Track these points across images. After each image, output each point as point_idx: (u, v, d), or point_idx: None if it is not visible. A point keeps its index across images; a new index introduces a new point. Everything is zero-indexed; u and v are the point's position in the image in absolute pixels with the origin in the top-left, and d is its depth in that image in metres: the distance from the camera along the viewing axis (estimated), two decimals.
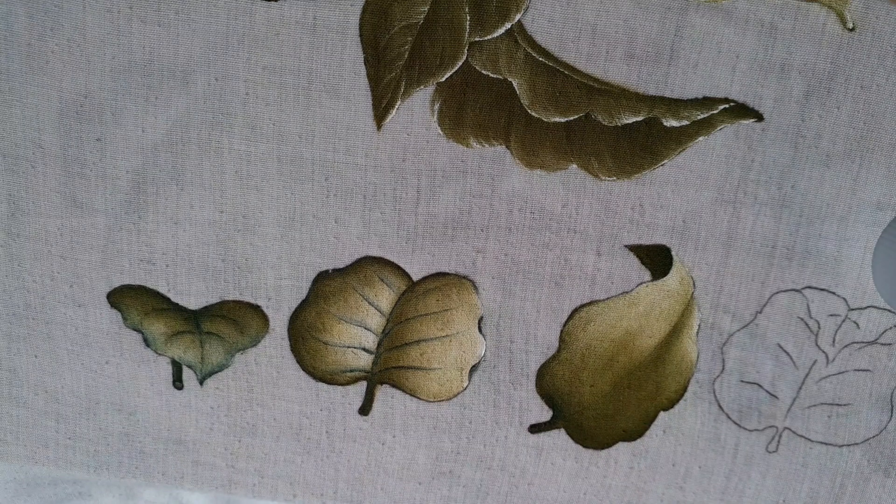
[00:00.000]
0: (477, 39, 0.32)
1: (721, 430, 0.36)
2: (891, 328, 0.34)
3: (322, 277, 0.35)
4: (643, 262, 0.34)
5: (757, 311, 0.34)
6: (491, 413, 0.36)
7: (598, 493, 0.37)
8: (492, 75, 0.32)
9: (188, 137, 0.34)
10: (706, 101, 0.32)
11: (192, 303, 0.36)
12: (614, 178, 0.33)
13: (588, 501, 0.37)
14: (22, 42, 0.32)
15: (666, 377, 0.35)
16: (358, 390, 0.36)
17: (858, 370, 0.35)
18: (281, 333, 0.36)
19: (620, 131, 0.33)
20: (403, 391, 0.36)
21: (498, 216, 0.34)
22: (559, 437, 0.36)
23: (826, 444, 0.36)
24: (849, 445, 0.36)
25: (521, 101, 0.32)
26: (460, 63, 0.32)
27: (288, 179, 0.34)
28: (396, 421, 0.37)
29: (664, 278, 0.34)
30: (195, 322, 0.36)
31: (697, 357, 0.35)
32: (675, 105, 0.32)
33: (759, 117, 0.32)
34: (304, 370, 0.36)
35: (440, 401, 0.36)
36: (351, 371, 0.36)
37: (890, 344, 0.34)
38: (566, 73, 0.32)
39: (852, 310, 0.34)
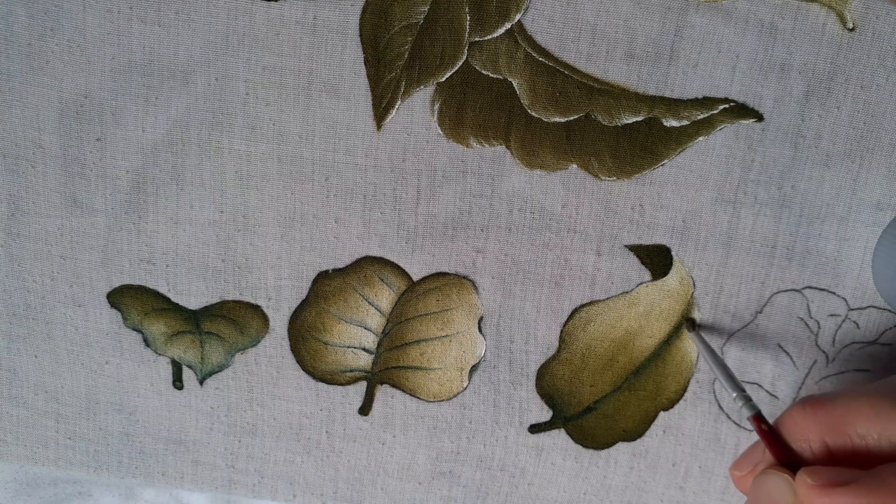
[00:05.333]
0: (477, 39, 0.32)
1: (721, 430, 0.36)
2: (891, 328, 0.34)
3: (322, 277, 0.35)
4: (643, 262, 0.34)
5: (757, 311, 0.34)
6: (491, 413, 0.36)
7: (598, 493, 0.37)
8: (492, 75, 0.32)
9: (188, 137, 0.34)
10: (706, 101, 0.32)
11: (192, 303, 0.36)
12: (614, 178, 0.33)
13: (588, 501, 0.37)
14: (22, 42, 0.32)
15: (666, 377, 0.35)
16: (358, 390, 0.36)
17: (858, 370, 0.35)
18: (281, 333, 0.36)
19: (620, 131, 0.33)
20: (403, 391, 0.36)
21: (498, 216, 0.34)
22: (559, 437, 0.36)
23: None
24: None
25: (521, 101, 0.32)
26: (460, 63, 0.32)
27: (288, 179, 0.34)
28: (396, 421, 0.37)
29: (664, 278, 0.34)
30: (195, 322, 0.36)
31: (697, 357, 0.35)
32: (675, 105, 0.32)
33: (759, 117, 0.32)
34: (304, 370, 0.36)
35: (440, 401, 0.36)
36: (351, 371, 0.36)
37: (890, 344, 0.34)
38: (566, 73, 0.32)
39: (852, 310, 0.34)
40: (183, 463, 0.38)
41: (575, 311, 0.35)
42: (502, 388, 0.36)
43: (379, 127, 0.33)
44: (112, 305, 0.36)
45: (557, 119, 0.33)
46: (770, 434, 0.26)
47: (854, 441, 0.25)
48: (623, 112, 0.32)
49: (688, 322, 0.34)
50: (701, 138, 0.33)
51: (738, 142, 0.33)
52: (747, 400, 0.29)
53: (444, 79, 0.32)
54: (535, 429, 0.36)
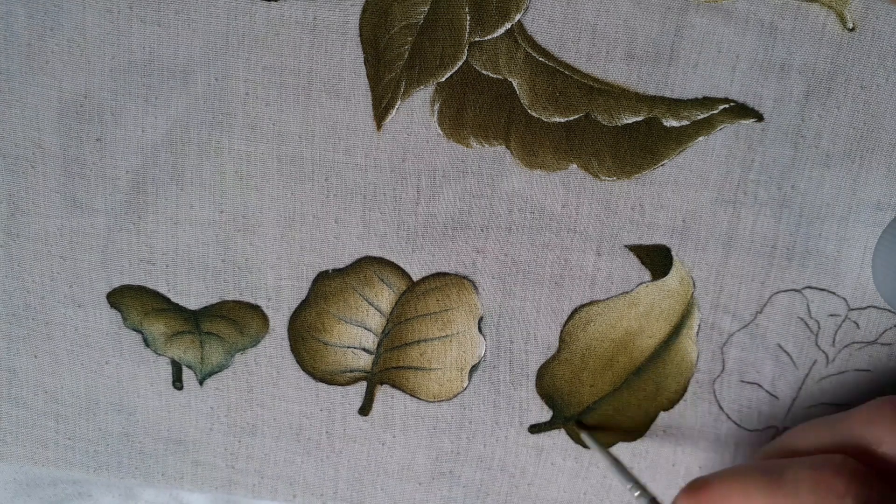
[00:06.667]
0: (477, 39, 0.32)
1: (721, 430, 0.36)
2: (891, 328, 0.34)
3: (322, 277, 0.35)
4: (643, 262, 0.34)
5: (757, 311, 0.34)
6: (491, 413, 0.36)
7: (598, 493, 0.37)
8: (492, 75, 0.32)
9: (188, 137, 0.34)
10: (706, 101, 0.32)
11: (192, 303, 0.36)
12: (614, 178, 0.33)
13: (588, 501, 0.37)
14: (22, 42, 0.32)
15: (666, 377, 0.35)
16: (358, 390, 0.36)
17: (858, 370, 0.35)
18: (281, 333, 0.36)
19: (620, 131, 0.33)
20: (403, 391, 0.36)
21: (498, 216, 0.34)
22: (559, 437, 0.36)
23: None
24: None
25: (521, 101, 0.32)
26: (460, 63, 0.32)
27: (288, 179, 0.34)
28: (396, 421, 0.37)
29: (664, 278, 0.34)
30: (195, 322, 0.36)
31: (697, 357, 0.35)
32: (675, 105, 0.32)
33: (759, 117, 0.32)
34: (304, 370, 0.36)
35: (440, 401, 0.36)
36: (351, 371, 0.36)
37: (890, 344, 0.34)
38: (566, 73, 0.32)
39: (852, 310, 0.34)
40: (183, 463, 0.38)
41: (575, 311, 0.35)
42: (502, 388, 0.36)
43: (379, 127, 0.33)
44: (112, 306, 0.36)
45: (557, 119, 0.33)
46: None
47: None
48: (623, 112, 0.32)
49: (577, 423, 0.36)
50: (701, 138, 0.33)
51: (738, 142, 0.33)
52: (643, 490, 0.30)
53: (444, 79, 0.32)
54: (535, 429, 0.36)
